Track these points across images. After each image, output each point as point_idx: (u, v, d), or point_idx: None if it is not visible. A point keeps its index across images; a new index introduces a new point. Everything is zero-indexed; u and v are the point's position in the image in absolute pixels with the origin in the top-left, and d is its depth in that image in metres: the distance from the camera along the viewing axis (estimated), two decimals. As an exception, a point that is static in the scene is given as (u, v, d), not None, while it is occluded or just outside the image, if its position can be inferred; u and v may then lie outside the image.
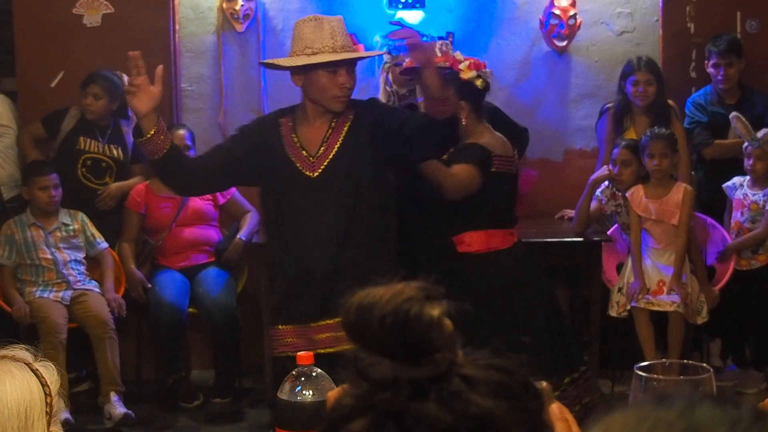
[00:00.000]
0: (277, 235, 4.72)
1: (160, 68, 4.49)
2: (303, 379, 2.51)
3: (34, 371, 2.15)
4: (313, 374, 2.53)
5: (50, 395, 2.14)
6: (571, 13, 7.07)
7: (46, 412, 2.12)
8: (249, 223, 6.64)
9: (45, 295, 6.27)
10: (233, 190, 6.53)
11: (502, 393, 1.23)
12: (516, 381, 1.26)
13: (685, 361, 2.12)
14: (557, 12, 7.06)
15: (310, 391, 2.48)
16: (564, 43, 7.16)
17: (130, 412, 6.17)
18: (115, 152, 6.71)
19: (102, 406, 6.23)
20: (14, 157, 7.03)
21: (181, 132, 6.66)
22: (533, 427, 1.26)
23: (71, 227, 6.50)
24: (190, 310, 6.51)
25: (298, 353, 2.59)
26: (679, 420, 0.99)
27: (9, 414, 2.07)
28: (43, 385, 2.14)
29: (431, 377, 1.23)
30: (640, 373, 1.86)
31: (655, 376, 1.86)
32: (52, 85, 6.91)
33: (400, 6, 7.06)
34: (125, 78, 6.71)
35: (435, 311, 1.26)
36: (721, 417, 0.99)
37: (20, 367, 2.14)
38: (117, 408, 6.16)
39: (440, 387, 1.23)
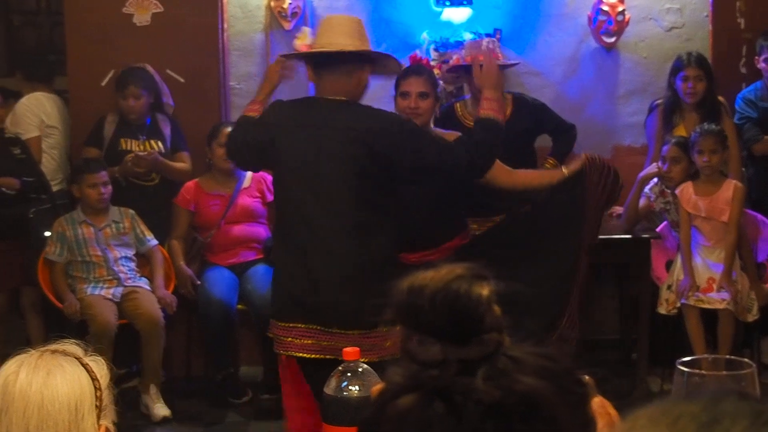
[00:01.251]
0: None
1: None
2: (349, 374, 2.53)
3: (84, 365, 2.18)
4: (360, 370, 2.54)
5: (100, 389, 2.17)
6: (620, 9, 7.03)
7: (96, 405, 2.15)
8: (297, 220, 6.65)
9: (96, 292, 6.33)
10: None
11: (547, 375, 1.25)
12: (560, 367, 1.28)
13: (727, 356, 2.11)
14: (606, 8, 7.02)
15: (357, 387, 2.50)
16: (612, 40, 7.13)
17: (168, 414, 6.24)
18: (155, 146, 6.77)
19: (141, 394, 6.31)
20: (57, 156, 7.14)
21: (229, 130, 6.70)
22: (576, 411, 1.27)
23: (121, 224, 6.56)
24: (239, 306, 6.54)
25: (344, 349, 2.61)
26: (703, 412, 1.00)
27: (60, 407, 2.10)
28: (93, 379, 2.17)
29: (479, 357, 1.25)
30: (682, 368, 1.86)
31: (697, 371, 1.85)
32: (103, 83, 6.97)
33: (448, 3, 7.05)
34: (149, 67, 6.78)
35: (484, 290, 1.28)
36: (744, 409, 1.00)
37: (71, 361, 2.17)
38: (158, 408, 6.24)
39: (488, 365, 1.25)
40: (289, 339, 4.50)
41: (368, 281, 4.41)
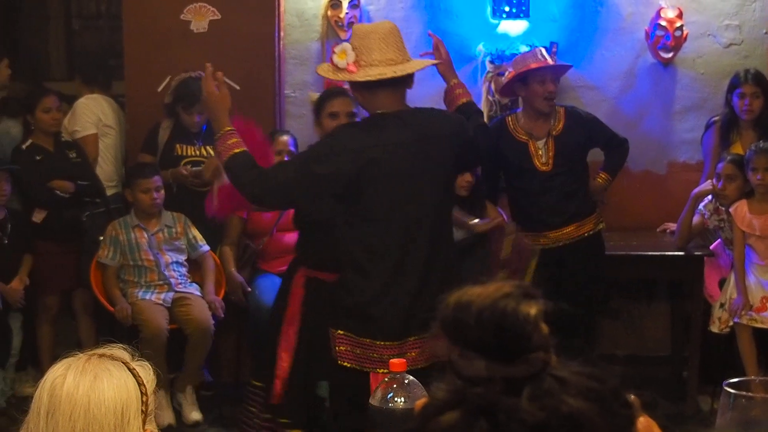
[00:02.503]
0: None
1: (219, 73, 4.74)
2: (395, 386, 2.52)
3: (131, 370, 2.19)
4: (406, 381, 2.54)
5: (146, 394, 2.18)
6: (678, 24, 6.98)
7: (142, 410, 2.16)
8: (348, 230, 6.65)
9: (147, 297, 6.37)
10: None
11: (593, 397, 1.24)
12: (607, 388, 1.27)
13: (774, 378, 2.08)
14: (663, 23, 6.98)
15: (402, 398, 2.49)
16: (670, 55, 7.08)
17: (200, 419, 6.36)
18: (212, 152, 6.80)
19: (176, 392, 6.39)
20: (112, 158, 7.19)
21: (285, 138, 6.71)
22: None
23: (174, 229, 6.60)
24: (288, 314, 6.55)
25: (391, 360, 2.61)
26: None
27: (106, 411, 2.11)
28: (140, 384, 2.18)
29: (525, 376, 1.24)
30: (729, 390, 1.84)
31: (744, 393, 1.83)
32: (159, 89, 7.01)
33: (504, 16, 7.04)
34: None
35: (532, 309, 1.27)
36: None
37: (118, 365, 2.19)
38: (192, 412, 6.35)
39: (533, 385, 1.24)
40: (399, 355, 4.29)
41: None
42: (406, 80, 4.51)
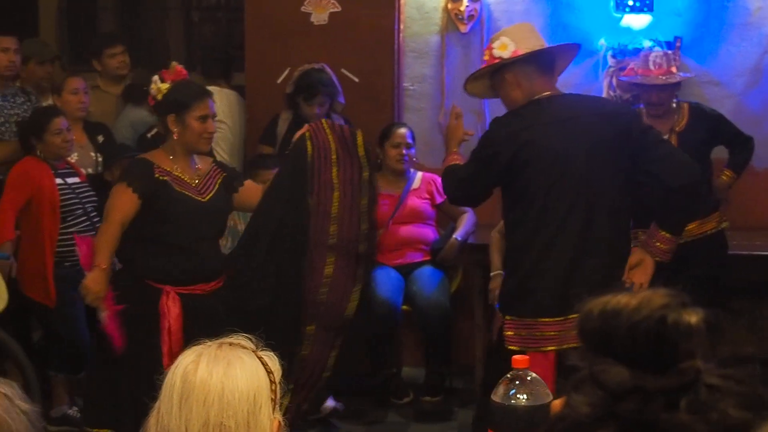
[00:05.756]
0: None
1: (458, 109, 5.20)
2: (518, 382, 2.50)
3: (259, 358, 2.22)
4: (528, 378, 2.51)
5: (275, 382, 2.21)
6: (807, 19, 6.82)
7: (271, 398, 2.19)
8: (465, 223, 6.63)
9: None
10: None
11: (749, 405, 1.19)
12: (755, 393, 1.21)
13: None
14: (792, 18, 6.82)
15: (524, 395, 2.46)
16: (798, 51, 6.92)
17: (339, 404, 6.27)
18: None
19: None
20: (227, 151, 7.18)
21: (402, 131, 6.72)
22: None
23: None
24: (404, 307, 6.54)
25: (513, 357, 2.58)
26: None
27: (240, 397, 2.14)
28: (269, 372, 2.21)
29: (677, 387, 1.19)
30: None
31: None
32: (279, 81, 7.06)
33: (627, 9, 6.94)
34: (327, 68, 6.80)
35: (693, 318, 1.22)
36: None
37: (249, 354, 2.22)
38: (327, 401, 6.27)
39: (690, 396, 1.18)
40: (562, 332, 4.51)
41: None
42: (555, 67, 4.71)
